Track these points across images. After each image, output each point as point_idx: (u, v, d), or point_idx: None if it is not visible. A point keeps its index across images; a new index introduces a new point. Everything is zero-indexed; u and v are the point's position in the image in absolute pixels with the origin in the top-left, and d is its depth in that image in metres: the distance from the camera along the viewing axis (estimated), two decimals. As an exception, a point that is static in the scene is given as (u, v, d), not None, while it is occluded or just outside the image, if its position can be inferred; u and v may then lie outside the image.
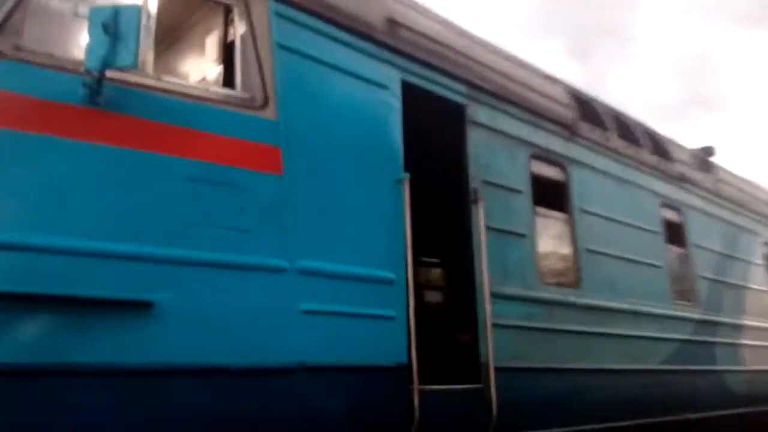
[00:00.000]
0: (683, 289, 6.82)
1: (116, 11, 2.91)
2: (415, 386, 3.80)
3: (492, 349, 4.36)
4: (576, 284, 5.43)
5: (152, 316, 2.93)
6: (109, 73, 2.91)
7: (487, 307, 4.43)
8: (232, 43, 3.74)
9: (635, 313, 5.80)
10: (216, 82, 3.84)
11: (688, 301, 6.78)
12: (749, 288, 7.96)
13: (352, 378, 3.60)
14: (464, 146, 4.77)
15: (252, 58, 3.62)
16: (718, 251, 7.54)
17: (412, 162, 4.36)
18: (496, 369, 4.37)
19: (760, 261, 8.49)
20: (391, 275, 3.94)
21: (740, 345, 7.44)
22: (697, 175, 7.58)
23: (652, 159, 6.84)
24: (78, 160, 2.95)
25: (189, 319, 3.04)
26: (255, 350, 3.24)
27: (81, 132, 2.95)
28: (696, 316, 6.74)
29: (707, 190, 7.64)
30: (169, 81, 3.37)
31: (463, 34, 5.26)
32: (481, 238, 4.57)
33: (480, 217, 4.60)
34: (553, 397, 4.80)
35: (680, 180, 7.20)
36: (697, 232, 7.18)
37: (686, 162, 7.50)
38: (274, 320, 3.34)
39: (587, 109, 6.18)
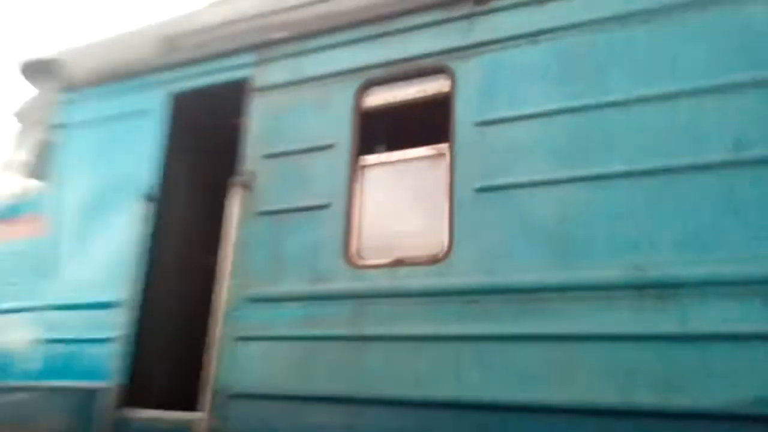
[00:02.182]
0: None
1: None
2: (112, 407, 3.73)
3: (222, 371, 3.49)
4: (439, 256, 3.19)
5: None
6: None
7: (219, 317, 3.58)
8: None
9: (649, 286, 2.70)
10: None
11: None
12: None
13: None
14: (247, 122, 4.00)
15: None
16: None
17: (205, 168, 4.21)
18: (233, 396, 3.45)
19: None
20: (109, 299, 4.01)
21: None
22: None
23: None
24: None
25: None
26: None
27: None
28: None
29: None
30: None
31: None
32: (235, 233, 3.73)
33: (235, 205, 3.77)
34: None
35: None
36: None
37: None
38: None
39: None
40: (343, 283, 3.37)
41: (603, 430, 2.66)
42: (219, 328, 3.59)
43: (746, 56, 2.83)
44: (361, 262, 3.40)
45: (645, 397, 2.61)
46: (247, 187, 3.79)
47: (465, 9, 3.51)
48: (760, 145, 2.70)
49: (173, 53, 4.42)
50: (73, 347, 4.09)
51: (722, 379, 2.52)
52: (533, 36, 3.30)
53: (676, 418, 2.55)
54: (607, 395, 2.68)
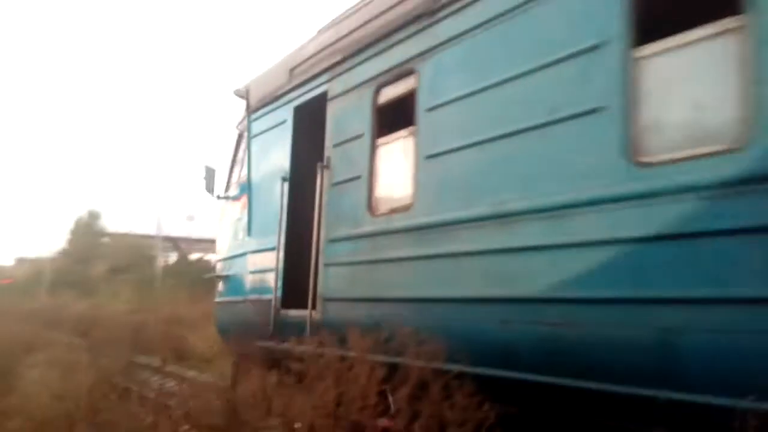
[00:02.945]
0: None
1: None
2: (276, 309, 6.24)
3: (320, 285, 5.64)
4: (408, 206, 4.76)
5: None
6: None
7: (319, 253, 5.72)
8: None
9: (501, 217, 3.96)
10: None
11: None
12: None
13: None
14: (327, 122, 5.97)
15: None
16: None
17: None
18: (325, 299, 5.60)
19: None
20: (272, 245, 6.46)
21: None
22: None
23: None
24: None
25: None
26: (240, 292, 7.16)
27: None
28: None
29: None
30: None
31: (326, 29, 6.03)
32: (321, 198, 5.80)
33: (323, 180, 5.82)
34: (368, 324, 5.01)
35: None
36: None
37: None
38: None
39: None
40: (367, 227, 5.19)
41: (474, 311, 4.08)
42: (316, 259, 5.75)
43: (559, 39, 3.76)
44: (376, 213, 5.17)
45: (496, 290, 3.95)
46: (327, 167, 5.81)
47: (424, 22, 4.86)
48: (565, 108, 3.68)
49: (293, 79, 6.58)
50: (261, 275, 6.71)
51: (532, 275, 3.73)
52: (457, 38, 4.55)
53: (510, 302, 3.86)
54: (478, 289, 4.07)
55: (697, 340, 2.99)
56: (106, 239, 55.98)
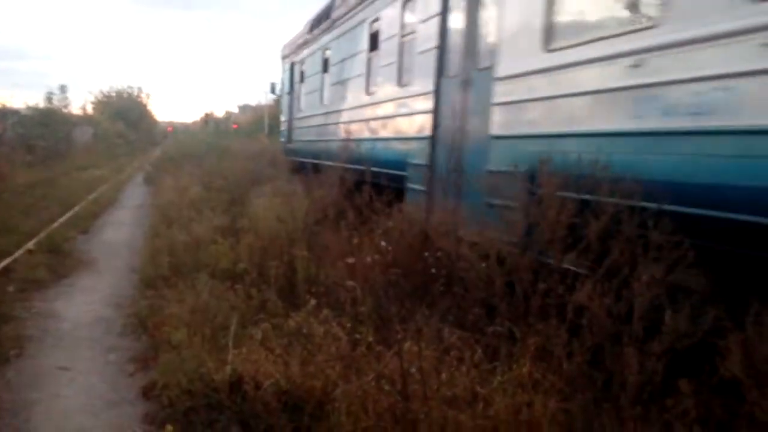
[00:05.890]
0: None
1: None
2: (284, 145, 16.50)
3: (292, 135, 15.67)
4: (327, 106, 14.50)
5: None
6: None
7: (293, 123, 15.72)
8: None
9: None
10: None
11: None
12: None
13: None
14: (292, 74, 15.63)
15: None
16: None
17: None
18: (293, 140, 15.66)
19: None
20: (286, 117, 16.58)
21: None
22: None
23: None
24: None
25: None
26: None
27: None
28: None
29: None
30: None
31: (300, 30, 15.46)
32: (296, 103, 15.67)
33: (293, 98, 15.63)
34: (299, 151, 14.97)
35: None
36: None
37: None
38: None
39: None
40: (321, 111, 15.02)
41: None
42: (291, 124, 15.79)
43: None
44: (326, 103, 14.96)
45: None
46: (294, 93, 15.57)
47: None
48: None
49: (289, 51, 16.16)
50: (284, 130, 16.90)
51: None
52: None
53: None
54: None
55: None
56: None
